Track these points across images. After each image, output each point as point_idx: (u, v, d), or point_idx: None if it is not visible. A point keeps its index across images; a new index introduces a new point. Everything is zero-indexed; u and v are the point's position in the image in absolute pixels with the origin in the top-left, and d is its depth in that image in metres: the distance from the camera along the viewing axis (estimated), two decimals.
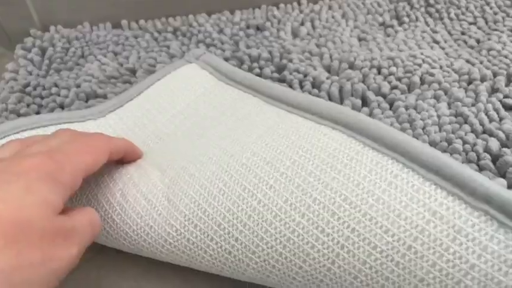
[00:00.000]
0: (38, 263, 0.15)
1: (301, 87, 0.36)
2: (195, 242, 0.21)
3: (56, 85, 0.38)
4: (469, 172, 0.18)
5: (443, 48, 0.41)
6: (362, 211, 0.18)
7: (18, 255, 0.15)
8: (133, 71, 0.41)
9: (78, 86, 0.38)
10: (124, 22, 0.50)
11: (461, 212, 0.17)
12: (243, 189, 0.20)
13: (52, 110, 0.36)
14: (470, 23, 0.46)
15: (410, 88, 0.35)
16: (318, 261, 0.19)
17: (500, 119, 0.31)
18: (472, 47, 0.41)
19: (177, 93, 0.32)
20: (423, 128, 0.30)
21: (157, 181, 0.23)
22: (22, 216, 0.15)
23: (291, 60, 0.39)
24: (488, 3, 0.48)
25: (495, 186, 0.17)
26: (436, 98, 0.34)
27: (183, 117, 0.29)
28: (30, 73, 0.41)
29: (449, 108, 0.32)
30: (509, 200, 0.17)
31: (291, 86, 0.36)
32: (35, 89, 0.38)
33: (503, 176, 0.27)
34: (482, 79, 0.35)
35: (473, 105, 0.32)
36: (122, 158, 0.25)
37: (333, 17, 0.49)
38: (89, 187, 0.24)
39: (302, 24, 0.48)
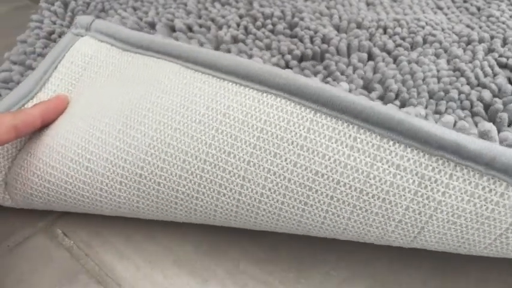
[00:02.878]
0: None
1: (312, 42, 0.38)
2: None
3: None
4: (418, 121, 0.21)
5: (445, 14, 0.44)
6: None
7: None
8: (152, 25, 0.43)
9: None
10: None
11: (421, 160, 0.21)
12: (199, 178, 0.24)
13: None
14: None
15: (413, 47, 0.38)
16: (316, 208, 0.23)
17: (494, 75, 0.34)
18: (472, 14, 0.44)
19: (84, 81, 0.28)
20: (423, 79, 0.33)
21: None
22: None
23: (302, 19, 0.41)
24: None
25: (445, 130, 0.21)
26: (437, 55, 0.36)
27: (99, 104, 0.25)
28: (54, 23, 0.43)
29: (448, 64, 0.35)
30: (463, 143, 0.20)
31: (301, 41, 0.39)
32: (59, 36, 0.40)
33: (493, 121, 0.30)
34: (480, 41, 0.38)
35: (470, 62, 0.35)
36: (45, 122, 0.26)
37: None
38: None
39: None
